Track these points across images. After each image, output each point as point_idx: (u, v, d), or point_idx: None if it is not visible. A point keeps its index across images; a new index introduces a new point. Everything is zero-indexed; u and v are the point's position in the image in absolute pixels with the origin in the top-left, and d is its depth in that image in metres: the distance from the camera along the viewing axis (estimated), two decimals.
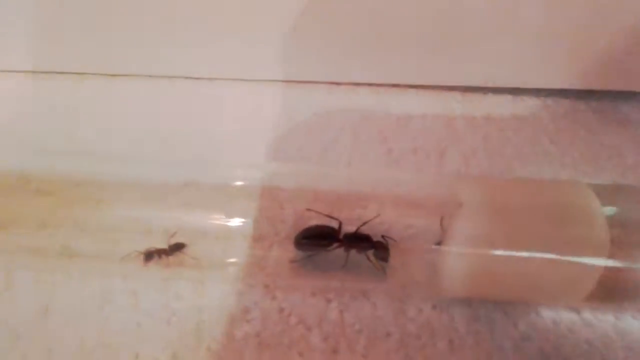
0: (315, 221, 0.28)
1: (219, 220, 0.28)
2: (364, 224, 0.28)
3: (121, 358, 0.25)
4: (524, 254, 0.25)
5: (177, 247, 0.27)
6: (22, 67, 0.37)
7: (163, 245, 0.27)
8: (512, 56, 0.34)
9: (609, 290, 0.26)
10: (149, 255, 0.27)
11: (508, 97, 0.36)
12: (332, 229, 0.28)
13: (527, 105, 0.35)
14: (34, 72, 0.37)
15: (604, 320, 0.27)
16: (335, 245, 0.27)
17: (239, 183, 0.29)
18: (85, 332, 0.25)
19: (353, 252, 0.27)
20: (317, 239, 0.28)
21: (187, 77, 0.36)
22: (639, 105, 0.35)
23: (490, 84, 0.35)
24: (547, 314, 0.27)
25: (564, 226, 0.25)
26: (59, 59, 0.36)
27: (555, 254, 0.25)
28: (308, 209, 0.28)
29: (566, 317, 0.27)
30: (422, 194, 0.28)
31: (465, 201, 0.25)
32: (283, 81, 0.35)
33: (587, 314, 0.27)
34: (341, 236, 0.27)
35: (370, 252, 0.27)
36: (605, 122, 0.35)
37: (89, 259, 0.28)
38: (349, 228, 0.27)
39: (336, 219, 0.28)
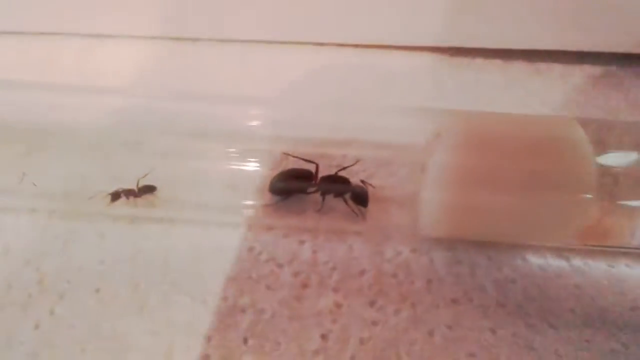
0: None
1: (193, 165, 0.27)
2: (343, 169, 0.27)
3: (81, 292, 0.23)
4: (506, 189, 0.23)
5: (147, 190, 0.26)
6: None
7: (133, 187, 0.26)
8: (500, 15, 0.33)
9: (601, 235, 0.25)
10: (116, 195, 0.26)
11: (498, 62, 0.35)
12: (309, 172, 0.26)
13: (519, 69, 0.35)
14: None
15: (596, 268, 0.25)
16: (311, 188, 0.26)
17: (216, 128, 0.28)
18: (46, 270, 0.24)
19: (330, 197, 0.26)
20: (293, 182, 0.26)
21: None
22: (633, 69, 0.34)
23: (478, 45, 0.34)
24: (535, 260, 0.25)
25: (549, 160, 0.24)
26: None
27: (539, 190, 0.23)
28: (285, 153, 0.27)
29: (555, 263, 0.25)
30: (403, 136, 0.27)
31: (443, 132, 0.24)
32: (269, 42, 0.34)
33: (578, 261, 0.25)
34: (318, 180, 0.26)
35: (348, 196, 0.26)
36: (601, 86, 0.34)
37: (56, 200, 0.27)
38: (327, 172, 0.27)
39: (313, 162, 0.27)
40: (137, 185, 0.26)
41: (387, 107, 0.28)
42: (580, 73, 0.34)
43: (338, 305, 0.23)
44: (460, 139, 0.24)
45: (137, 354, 0.21)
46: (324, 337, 0.22)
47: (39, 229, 0.26)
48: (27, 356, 0.21)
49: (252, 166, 0.27)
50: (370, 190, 0.26)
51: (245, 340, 0.22)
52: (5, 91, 0.28)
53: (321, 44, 0.34)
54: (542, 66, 0.35)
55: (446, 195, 0.23)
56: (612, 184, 0.24)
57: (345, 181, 0.26)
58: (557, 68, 0.35)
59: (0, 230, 0.26)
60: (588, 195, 0.23)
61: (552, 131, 0.24)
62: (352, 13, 0.33)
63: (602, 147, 0.25)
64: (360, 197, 0.26)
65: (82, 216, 0.26)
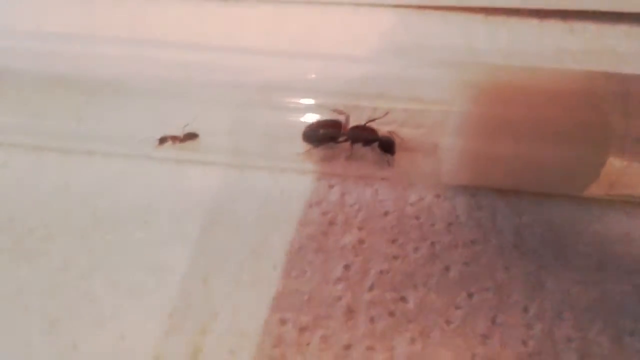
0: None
1: (232, 114, 0.29)
2: (372, 120, 0.28)
3: (130, 224, 0.26)
4: (524, 139, 0.25)
5: (190, 136, 0.29)
6: None
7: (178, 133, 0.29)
8: None
9: (624, 186, 0.26)
10: (163, 140, 0.28)
11: (533, 22, 0.35)
12: (339, 122, 0.28)
13: (553, 28, 0.35)
14: None
15: (615, 216, 0.26)
16: (341, 137, 0.28)
17: (254, 80, 0.30)
18: (99, 205, 0.27)
19: (359, 146, 0.28)
20: (324, 131, 0.28)
21: None
22: None
23: (512, 4, 0.34)
24: (555, 208, 0.26)
25: (568, 113, 0.25)
26: None
27: (557, 142, 0.24)
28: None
29: (575, 211, 0.26)
30: (432, 89, 0.28)
31: (465, 84, 0.25)
32: (309, 2, 0.36)
33: (597, 210, 0.26)
34: (347, 129, 0.28)
35: (375, 145, 0.28)
36: (635, 46, 0.34)
37: (111, 143, 0.29)
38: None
39: (343, 113, 0.28)
40: (182, 131, 0.28)
41: (415, 61, 0.30)
42: (614, 33, 0.35)
43: (361, 241, 0.25)
44: (481, 90, 0.25)
45: (176, 277, 0.24)
46: (346, 267, 0.24)
47: (95, 168, 0.29)
48: (81, 276, 0.24)
49: (286, 116, 0.29)
50: (398, 140, 0.28)
51: (274, 267, 0.24)
52: (66, 45, 0.30)
53: (358, 4, 0.36)
54: (577, 25, 0.35)
55: (466, 143, 0.25)
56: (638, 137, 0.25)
57: (372, 131, 0.28)
58: (591, 27, 0.35)
59: (62, 170, 0.28)
60: (606, 148, 0.24)
61: (574, 85, 0.25)
62: None
63: (629, 100, 0.25)
64: (387, 146, 0.27)
65: (134, 158, 0.29)
